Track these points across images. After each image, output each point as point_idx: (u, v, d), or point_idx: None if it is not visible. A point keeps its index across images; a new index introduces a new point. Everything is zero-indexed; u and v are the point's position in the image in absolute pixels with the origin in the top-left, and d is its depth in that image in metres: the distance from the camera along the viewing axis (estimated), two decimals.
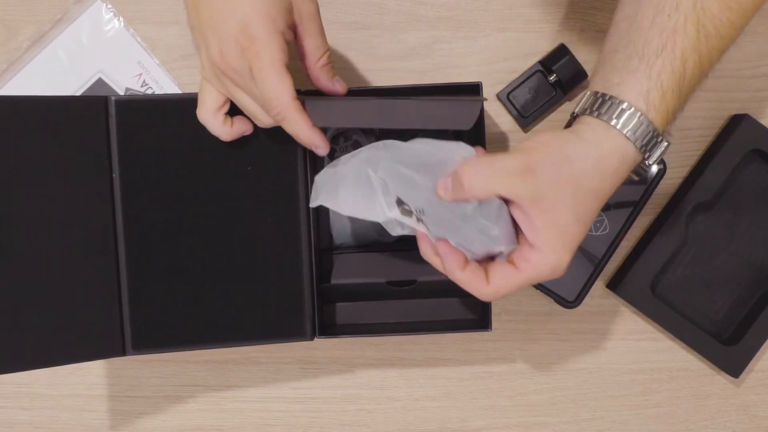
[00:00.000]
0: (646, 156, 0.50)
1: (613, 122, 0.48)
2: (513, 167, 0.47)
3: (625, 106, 0.48)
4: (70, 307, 0.56)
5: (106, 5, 0.66)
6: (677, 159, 0.68)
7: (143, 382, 0.69)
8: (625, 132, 0.48)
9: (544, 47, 0.66)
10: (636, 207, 0.65)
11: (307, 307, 0.60)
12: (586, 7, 0.67)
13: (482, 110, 0.50)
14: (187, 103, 0.55)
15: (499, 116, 0.67)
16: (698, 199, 0.65)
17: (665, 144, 0.50)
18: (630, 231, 0.65)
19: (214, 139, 0.55)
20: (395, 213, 0.49)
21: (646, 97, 0.48)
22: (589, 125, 0.49)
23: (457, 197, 0.49)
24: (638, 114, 0.48)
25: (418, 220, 0.49)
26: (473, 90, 0.58)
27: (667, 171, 0.65)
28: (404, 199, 0.49)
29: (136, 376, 0.69)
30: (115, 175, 0.57)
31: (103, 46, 0.66)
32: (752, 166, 0.67)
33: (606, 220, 0.65)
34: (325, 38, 0.54)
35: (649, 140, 0.49)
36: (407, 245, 0.66)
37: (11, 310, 0.53)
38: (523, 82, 0.66)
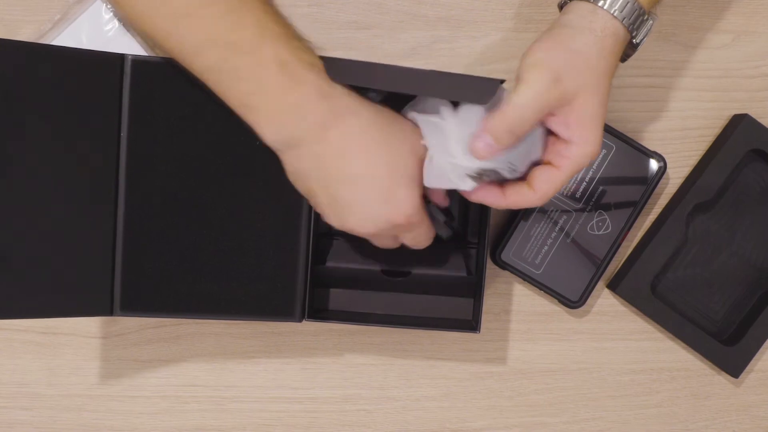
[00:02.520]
0: (633, 34, 0.51)
1: (600, 3, 0.50)
2: (548, 93, 0.49)
3: None
4: (62, 261, 0.56)
5: (106, 5, 0.66)
6: (677, 159, 0.68)
7: (143, 382, 0.69)
8: (612, 11, 0.50)
9: None
10: (636, 207, 0.65)
11: (299, 288, 0.60)
12: None
13: (500, 84, 0.52)
14: None
15: None
16: (698, 199, 0.65)
17: (650, 22, 0.52)
18: (630, 231, 0.65)
19: (226, 111, 0.54)
20: (470, 185, 0.52)
21: None
22: (575, 12, 0.51)
23: (506, 146, 0.50)
24: None
25: (490, 173, 0.52)
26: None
27: (667, 171, 0.65)
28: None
29: (136, 376, 0.69)
30: (123, 134, 0.57)
31: (103, 46, 0.66)
32: (752, 166, 0.67)
33: (608, 220, 0.65)
34: None
35: (636, 18, 0.51)
36: None
37: (1, 255, 0.53)
38: None
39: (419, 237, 0.55)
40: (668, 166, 0.65)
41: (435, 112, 0.52)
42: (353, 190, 0.51)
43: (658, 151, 0.65)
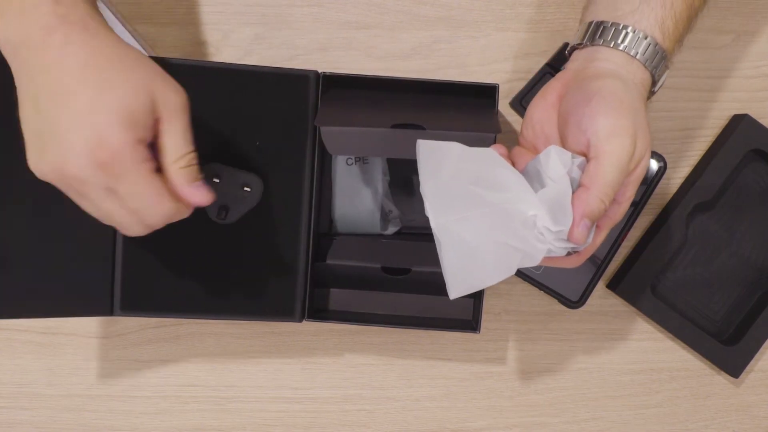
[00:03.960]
0: (655, 88, 0.51)
1: (633, 52, 0.49)
2: (630, 157, 0.46)
3: (641, 35, 0.49)
4: (62, 261, 0.56)
5: (107, 6, 0.66)
6: (677, 159, 0.68)
7: (143, 382, 0.69)
8: (645, 63, 0.49)
9: (544, 47, 0.66)
10: (636, 207, 0.65)
11: (299, 288, 0.60)
12: None
13: (494, 142, 0.52)
14: (203, 69, 0.56)
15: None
16: (698, 199, 0.65)
17: (667, 70, 0.51)
18: (630, 231, 0.65)
19: (224, 109, 0.53)
20: (547, 246, 0.46)
21: (661, 26, 0.49)
22: (612, 60, 0.49)
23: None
24: (655, 44, 0.49)
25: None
26: (489, 92, 0.59)
27: (667, 171, 0.65)
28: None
29: (136, 376, 0.69)
30: None
31: None
32: (752, 166, 0.67)
33: None
34: (188, 138, 0.47)
35: (657, 66, 0.50)
36: (405, 235, 0.66)
37: (1, 255, 0.54)
38: (533, 86, 0.65)
39: (137, 194, 0.45)
40: (668, 166, 0.65)
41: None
42: (61, 106, 0.44)
43: (658, 151, 0.65)
